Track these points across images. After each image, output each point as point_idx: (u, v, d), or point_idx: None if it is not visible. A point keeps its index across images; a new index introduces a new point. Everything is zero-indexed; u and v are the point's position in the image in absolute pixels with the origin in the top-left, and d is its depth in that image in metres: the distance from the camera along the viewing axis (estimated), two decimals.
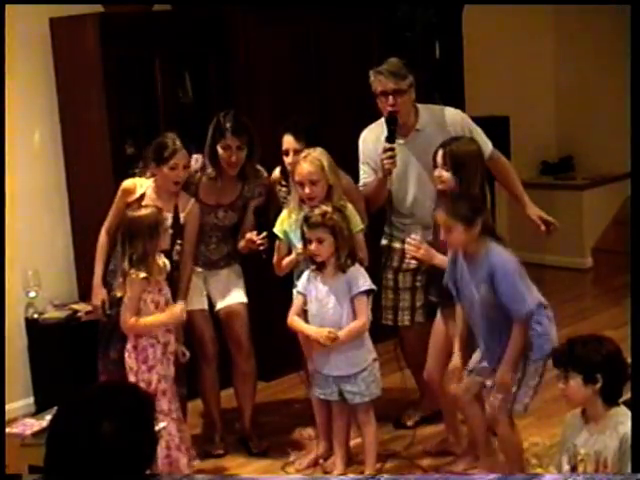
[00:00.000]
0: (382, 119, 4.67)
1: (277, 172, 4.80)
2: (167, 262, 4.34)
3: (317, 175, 4.33)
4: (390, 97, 4.59)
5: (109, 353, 4.48)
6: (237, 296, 4.76)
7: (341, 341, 4.21)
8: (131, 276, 4.18)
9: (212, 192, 4.67)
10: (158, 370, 4.25)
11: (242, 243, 4.64)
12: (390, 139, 4.57)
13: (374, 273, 4.66)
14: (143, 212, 4.27)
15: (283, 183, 4.75)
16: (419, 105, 4.75)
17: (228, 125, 4.54)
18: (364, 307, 4.25)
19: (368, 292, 4.27)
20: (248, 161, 4.62)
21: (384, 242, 4.85)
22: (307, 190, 4.34)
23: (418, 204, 4.68)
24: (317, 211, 4.21)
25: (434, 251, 4.28)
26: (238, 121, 4.57)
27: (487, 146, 4.71)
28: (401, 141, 4.67)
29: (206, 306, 4.73)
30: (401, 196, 4.72)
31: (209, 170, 4.63)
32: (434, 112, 4.76)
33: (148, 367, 4.24)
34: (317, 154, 4.37)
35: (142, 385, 4.09)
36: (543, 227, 4.72)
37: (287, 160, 4.61)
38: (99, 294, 4.61)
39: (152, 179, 4.56)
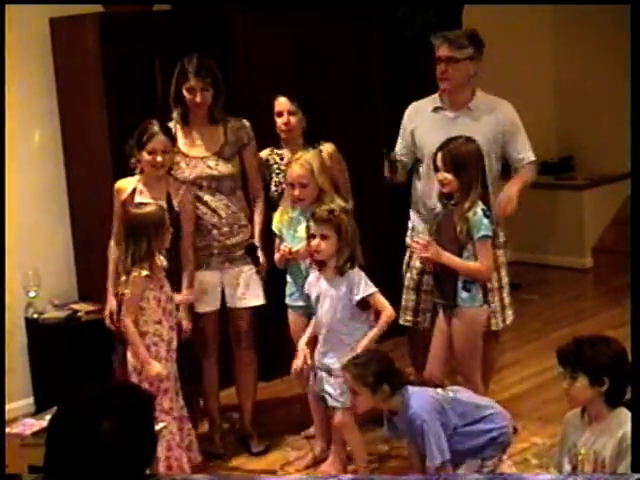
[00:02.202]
0: (436, 94, 4.65)
1: (266, 151, 4.81)
2: (163, 259, 4.32)
3: (306, 178, 4.41)
4: (442, 64, 4.56)
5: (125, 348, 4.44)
6: (252, 294, 4.70)
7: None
8: (133, 274, 4.17)
9: (194, 143, 4.64)
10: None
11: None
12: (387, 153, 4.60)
13: (393, 271, 4.66)
14: (147, 209, 4.24)
15: (268, 160, 4.78)
16: (478, 89, 4.69)
17: (191, 67, 4.55)
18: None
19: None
20: (215, 103, 4.61)
21: (408, 240, 4.74)
22: (296, 192, 4.44)
23: None
24: (325, 207, 4.25)
25: (441, 250, 4.24)
26: (201, 63, 4.57)
27: (529, 153, 4.66)
28: (451, 115, 4.65)
29: (217, 306, 4.68)
30: (431, 184, 4.58)
31: (174, 114, 4.62)
32: (490, 99, 4.73)
33: None
34: (309, 157, 4.46)
35: (144, 384, 4.08)
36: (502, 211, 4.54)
37: (281, 120, 4.68)
38: (111, 303, 4.50)
39: (139, 172, 4.53)
